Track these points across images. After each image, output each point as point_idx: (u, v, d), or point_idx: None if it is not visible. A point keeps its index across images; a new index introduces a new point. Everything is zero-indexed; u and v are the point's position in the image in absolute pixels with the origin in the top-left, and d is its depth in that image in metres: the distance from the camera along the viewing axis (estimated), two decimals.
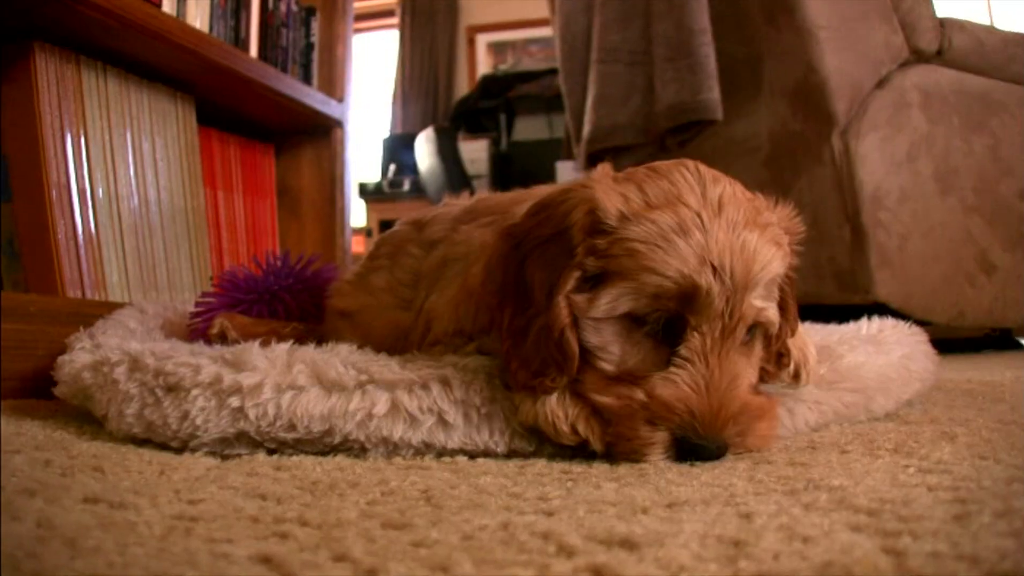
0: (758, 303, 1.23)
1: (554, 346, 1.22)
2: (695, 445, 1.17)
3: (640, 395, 1.18)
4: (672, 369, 1.19)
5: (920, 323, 1.95)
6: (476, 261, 1.43)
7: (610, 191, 1.23)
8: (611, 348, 1.22)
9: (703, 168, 1.28)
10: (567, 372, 1.22)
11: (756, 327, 1.27)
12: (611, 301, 1.20)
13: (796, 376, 1.41)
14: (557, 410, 1.23)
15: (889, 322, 1.86)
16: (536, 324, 1.23)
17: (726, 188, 1.25)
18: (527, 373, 1.23)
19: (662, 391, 1.18)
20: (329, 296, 1.87)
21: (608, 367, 1.22)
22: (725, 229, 1.20)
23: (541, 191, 1.49)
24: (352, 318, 1.73)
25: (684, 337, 1.20)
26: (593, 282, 1.21)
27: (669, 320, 1.20)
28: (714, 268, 1.18)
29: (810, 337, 1.49)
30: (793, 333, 1.39)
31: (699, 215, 1.20)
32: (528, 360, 1.23)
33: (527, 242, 1.26)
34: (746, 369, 1.26)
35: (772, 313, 1.27)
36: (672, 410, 1.17)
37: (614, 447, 1.20)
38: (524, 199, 1.50)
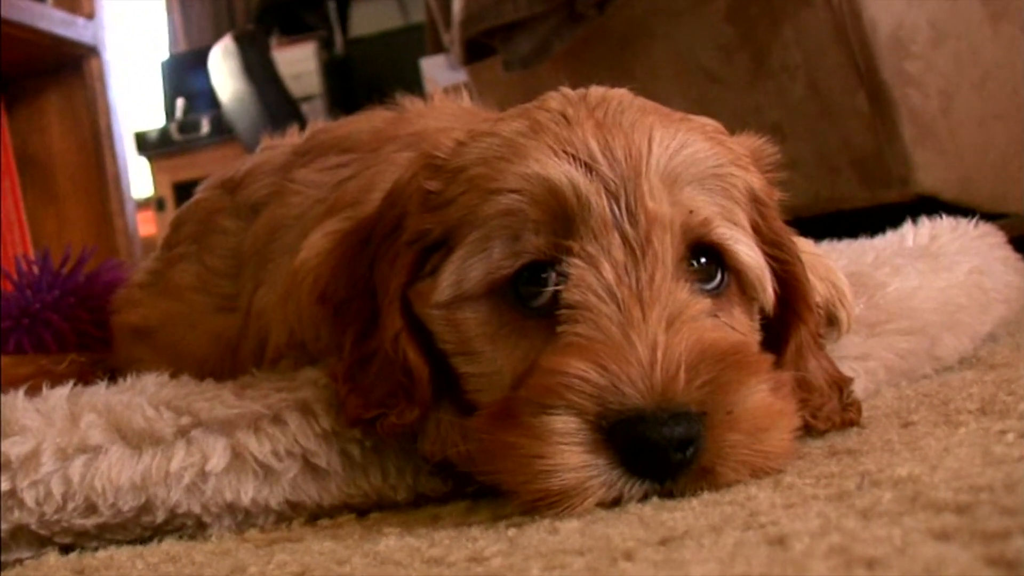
0: (691, 203, 1.18)
1: (398, 367, 1.21)
2: (629, 420, 1.06)
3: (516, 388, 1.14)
4: (560, 328, 1.14)
5: (989, 217, 1.97)
6: (315, 230, 1.41)
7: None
8: (475, 346, 1.20)
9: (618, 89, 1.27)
10: (417, 399, 1.20)
11: (724, 268, 1.22)
12: (457, 269, 1.18)
13: (831, 320, 1.40)
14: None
15: (945, 223, 1.87)
16: (383, 345, 1.23)
17: (627, 95, 1.25)
18: (363, 404, 1.22)
19: (547, 360, 1.10)
20: (115, 309, 1.85)
21: (470, 368, 1.21)
22: (603, 119, 1.18)
23: (419, 119, 1.48)
24: (152, 336, 1.71)
25: (568, 276, 1.15)
26: (441, 258, 1.21)
27: (537, 265, 1.17)
28: (584, 161, 1.14)
29: (832, 261, 1.49)
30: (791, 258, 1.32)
31: (562, 113, 1.19)
32: (368, 390, 1.22)
33: (377, 235, 1.25)
34: (702, 314, 1.16)
35: (736, 240, 1.22)
36: (567, 375, 1.07)
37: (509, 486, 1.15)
38: (395, 132, 1.49)
